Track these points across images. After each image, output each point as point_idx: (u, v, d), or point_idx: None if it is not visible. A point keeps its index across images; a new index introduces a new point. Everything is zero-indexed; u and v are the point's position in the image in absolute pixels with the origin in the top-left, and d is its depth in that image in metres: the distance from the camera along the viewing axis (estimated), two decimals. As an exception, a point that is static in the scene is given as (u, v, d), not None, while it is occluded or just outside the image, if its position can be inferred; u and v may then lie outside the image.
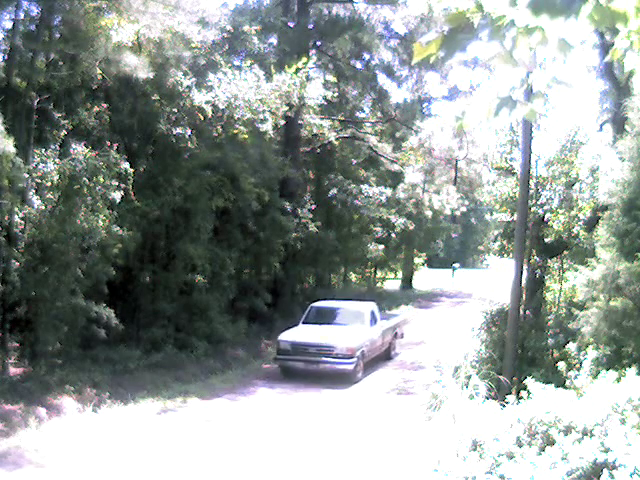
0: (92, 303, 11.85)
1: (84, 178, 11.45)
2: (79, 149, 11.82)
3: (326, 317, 14.91)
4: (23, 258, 11.22)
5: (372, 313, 15.07)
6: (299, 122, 20.61)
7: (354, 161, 26.67)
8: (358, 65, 24.88)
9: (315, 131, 22.08)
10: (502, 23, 2.43)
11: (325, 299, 17.34)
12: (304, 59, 17.19)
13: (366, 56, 24.74)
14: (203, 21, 13.89)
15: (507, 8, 2.40)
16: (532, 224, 12.13)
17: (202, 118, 14.51)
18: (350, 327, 14.29)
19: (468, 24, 2.46)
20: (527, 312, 12.17)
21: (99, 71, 12.34)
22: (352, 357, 13.17)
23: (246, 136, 15.57)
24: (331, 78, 18.25)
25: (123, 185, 12.17)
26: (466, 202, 34.19)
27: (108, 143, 12.36)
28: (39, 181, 11.57)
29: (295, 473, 8.29)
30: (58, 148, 12.23)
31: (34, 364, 11.43)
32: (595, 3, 2.35)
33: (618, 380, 6.67)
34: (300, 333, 14.04)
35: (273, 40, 21.15)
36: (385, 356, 15.88)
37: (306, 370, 13.44)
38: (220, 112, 14.65)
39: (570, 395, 6.79)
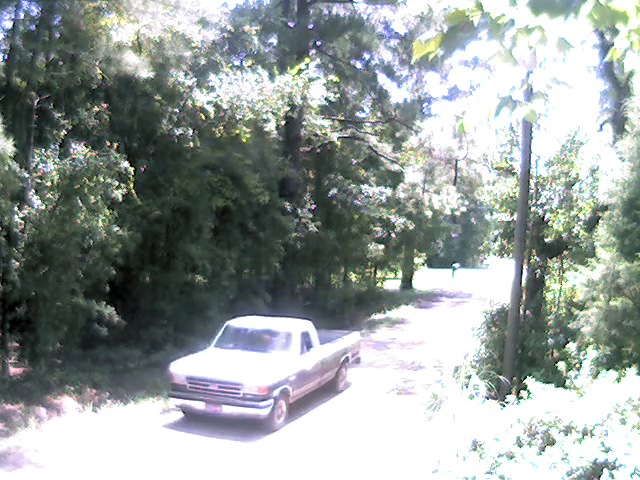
0: (93, 302, 11.86)
1: (84, 178, 11.45)
2: (79, 149, 11.82)
3: (244, 340, 11.42)
4: (23, 258, 11.22)
5: (304, 336, 11.44)
6: (300, 122, 20.62)
7: (354, 161, 26.67)
8: (358, 65, 24.89)
9: (316, 131, 22.07)
10: (502, 22, 2.43)
11: (253, 314, 13.41)
12: (307, 60, 17.20)
13: (366, 56, 24.75)
14: (203, 21, 13.89)
15: (507, 7, 2.40)
16: (532, 224, 12.13)
17: (204, 118, 14.52)
18: (272, 355, 10.85)
19: (468, 23, 2.46)
20: (527, 312, 12.17)
21: (99, 71, 12.35)
22: (266, 398, 9.71)
23: (248, 136, 15.57)
24: (333, 78, 18.22)
25: (123, 185, 12.18)
26: (466, 202, 34.22)
27: (108, 143, 12.36)
28: (39, 181, 11.57)
29: (298, 473, 8.29)
30: (58, 148, 12.24)
31: (34, 364, 11.43)
32: (595, 2, 2.34)
33: (618, 380, 6.67)
34: (202, 362, 10.51)
35: (273, 40, 21.16)
36: (331, 389, 12.49)
37: (207, 414, 10.00)
38: (222, 112, 14.65)
39: (570, 395, 6.80)
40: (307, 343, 11.44)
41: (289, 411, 10.44)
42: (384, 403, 11.97)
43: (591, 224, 11.19)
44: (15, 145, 9.73)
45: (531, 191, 11.68)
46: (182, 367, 10.36)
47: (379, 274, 32.20)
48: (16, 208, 10.86)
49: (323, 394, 12.09)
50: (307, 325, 11.93)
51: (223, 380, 9.84)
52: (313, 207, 21.45)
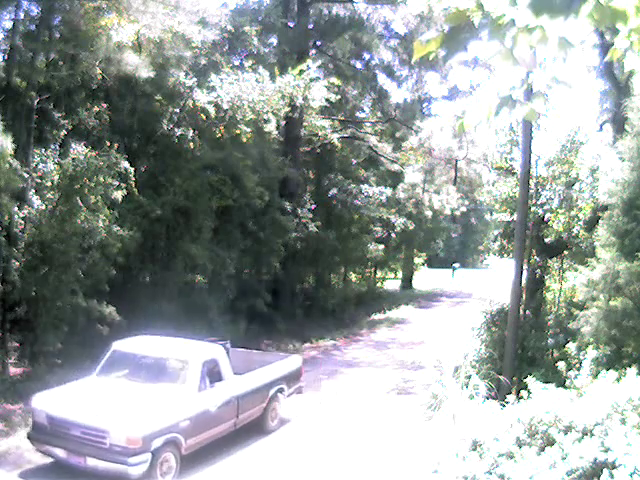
0: (93, 302, 11.86)
1: (84, 178, 11.46)
2: (79, 149, 11.83)
3: (132, 368, 9.05)
4: (23, 258, 11.22)
5: (208, 365, 8.88)
6: (300, 122, 20.62)
7: (354, 161, 26.68)
8: (358, 65, 24.90)
9: (317, 132, 22.08)
10: (502, 22, 2.44)
11: (155, 334, 10.17)
12: (308, 61, 17.21)
13: (366, 56, 24.76)
14: (203, 21, 13.90)
15: (507, 7, 2.41)
16: (532, 224, 12.13)
17: (204, 118, 14.52)
18: (161, 391, 8.37)
19: (468, 23, 2.46)
20: (527, 312, 12.17)
21: (99, 71, 12.35)
22: (139, 452, 7.50)
23: (249, 136, 15.58)
24: (334, 80, 18.23)
25: (124, 185, 12.18)
26: (466, 202, 34.23)
27: (108, 143, 12.37)
28: (39, 181, 11.58)
29: (298, 473, 8.30)
30: (58, 148, 12.24)
31: (34, 364, 11.43)
32: (595, 2, 2.35)
33: (618, 380, 6.67)
34: (70, 397, 8.34)
35: (273, 40, 21.17)
36: (258, 429, 9.95)
37: (71, 465, 7.84)
38: (223, 112, 14.65)
39: (570, 395, 6.79)
40: (213, 375, 8.88)
41: (181, 466, 8.07)
42: (384, 403, 11.97)
43: (591, 224, 11.19)
44: (15, 145, 9.74)
45: (531, 191, 11.68)
46: (45, 402, 8.17)
47: (379, 274, 32.20)
48: (16, 208, 10.87)
49: (244, 437, 9.55)
50: (215, 351, 9.25)
51: (87, 425, 7.68)
52: (313, 207, 21.46)
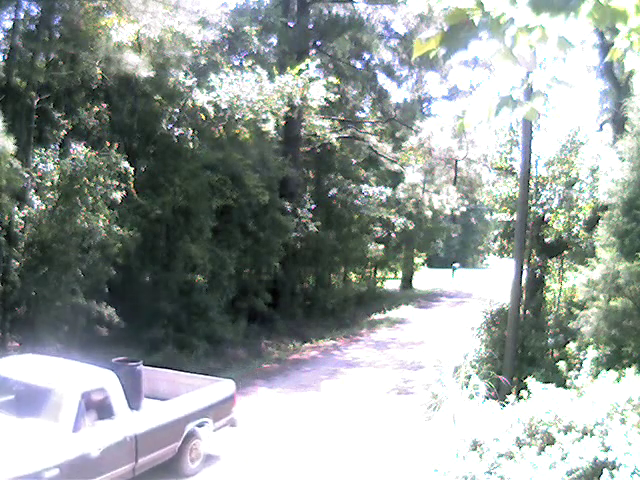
0: (93, 302, 11.86)
1: (84, 178, 11.46)
2: (79, 149, 11.84)
3: (4, 395, 7.19)
4: (23, 258, 11.23)
5: (94, 396, 7.09)
6: (300, 122, 20.62)
7: (354, 161, 26.69)
8: (358, 65, 24.92)
9: (317, 132, 22.08)
10: (502, 21, 2.43)
11: (46, 352, 9.07)
12: (307, 60, 17.21)
13: (366, 56, 24.77)
14: (203, 21, 13.90)
15: (507, 6, 2.40)
16: (532, 224, 12.13)
17: (204, 118, 14.53)
18: (27, 427, 6.58)
19: (468, 22, 2.46)
20: (527, 312, 12.17)
21: (99, 71, 12.35)
22: None
23: (248, 136, 15.57)
24: (333, 80, 18.23)
25: (124, 185, 12.18)
26: (466, 202, 34.18)
27: (108, 143, 12.37)
28: (39, 181, 11.58)
29: (298, 473, 8.30)
30: (58, 148, 12.25)
31: (34, 364, 11.42)
32: (595, 1, 2.34)
33: (618, 380, 6.68)
34: None
35: (273, 40, 21.16)
36: (173, 472, 8.07)
37: None
38: (222, 112, 14.65)
39: (570, 395, 6.79)
40: (101, 408, 7.07)
41: None
42: (384, 403, 11.97)
43: (591, 224, 11.19)
44: (16, 145, 9.74)
45: (531, 191, 11.68)
46: None
47: (379, 274, 32.21)
48: (16, 208, 10.87)
49: None
50: (103, 379, 7.33)
51: None
52: (313, 207, 21.47)
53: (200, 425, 8.40)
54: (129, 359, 8.69)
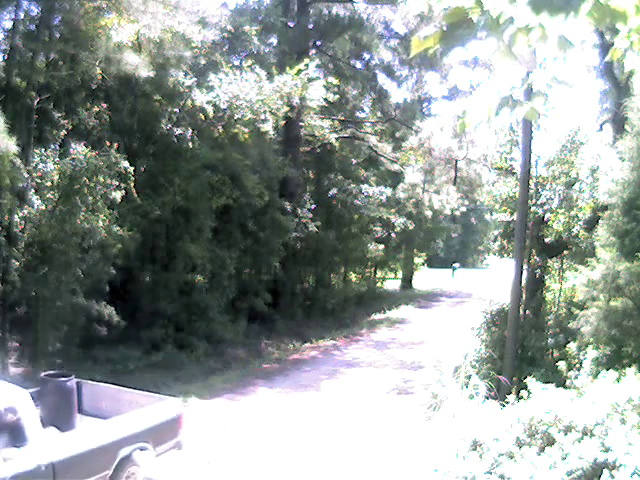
0: (93, 302, 11.87)
1: (84, 178, 11.46)
2: (79, 149, 11.83)
3: None
4: (23, 258, 11.22)
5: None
6: (299, 122, 20.62)
7: (354, 161, 26.68)
8: (358, 65, 24.91)
9: (316, 132, 22.09)
10: (501, 21, 2.43)
11: None
12: (306, 60, 17.20)
13: (366, 56, 24.76)
14: (203, 21, 13.90)
15: (506, 5, 2.40)
16: (532, 224, 12.13)
17: (203, 118, 14.53)
18: None
19: (467, 20, 2.45)
20: (527, 312, 12.17)
21: (99, 71, 12.35)
22: None
23: (247, 136, 15.57)
24: (333, 80, 18.23)
25: (124, 185, 12.18)
26: (466, 202, 34.17)
27: (108, 143, 12.37)
28: (39, 181, 11.57)
29: (297, 473, 8.29)
30: (58, 148, 12.24)
31: (34, 364, 11.43)
32: (594, 1, 2.34)
33: (618, 380, 6.67)
34: None
35: (273, 40, 21.17)
36: None
37: None
38: (221, 112, 14.65)
39: (570, 395, 6.79)
40: (10, 432, 5.91)
41: None
42: (384, 403, 11.96)
43: (591, 224, 11.18)
44: (16, 145, 9.74)
45: (531, 191, 11.67)
46: None
47: (379, 274, 32.20)
48: (16, 208, 10.87)
49: None
50: (12, 399, 6.04)
51: None
52: (313, 207, 21.46)
53: (142, 449, 7.14)
54: (60, 373, 7.79)
